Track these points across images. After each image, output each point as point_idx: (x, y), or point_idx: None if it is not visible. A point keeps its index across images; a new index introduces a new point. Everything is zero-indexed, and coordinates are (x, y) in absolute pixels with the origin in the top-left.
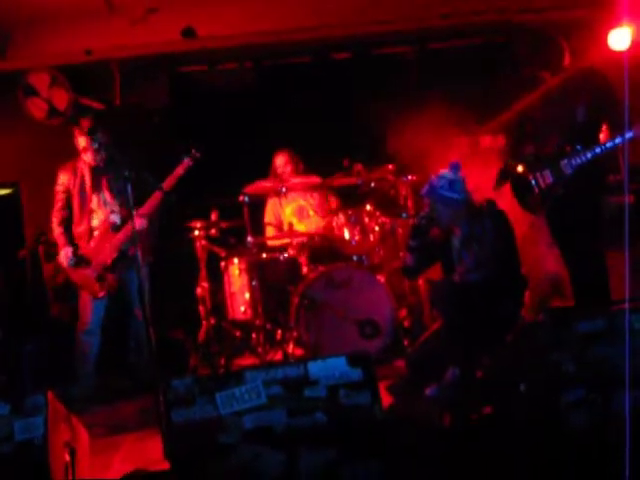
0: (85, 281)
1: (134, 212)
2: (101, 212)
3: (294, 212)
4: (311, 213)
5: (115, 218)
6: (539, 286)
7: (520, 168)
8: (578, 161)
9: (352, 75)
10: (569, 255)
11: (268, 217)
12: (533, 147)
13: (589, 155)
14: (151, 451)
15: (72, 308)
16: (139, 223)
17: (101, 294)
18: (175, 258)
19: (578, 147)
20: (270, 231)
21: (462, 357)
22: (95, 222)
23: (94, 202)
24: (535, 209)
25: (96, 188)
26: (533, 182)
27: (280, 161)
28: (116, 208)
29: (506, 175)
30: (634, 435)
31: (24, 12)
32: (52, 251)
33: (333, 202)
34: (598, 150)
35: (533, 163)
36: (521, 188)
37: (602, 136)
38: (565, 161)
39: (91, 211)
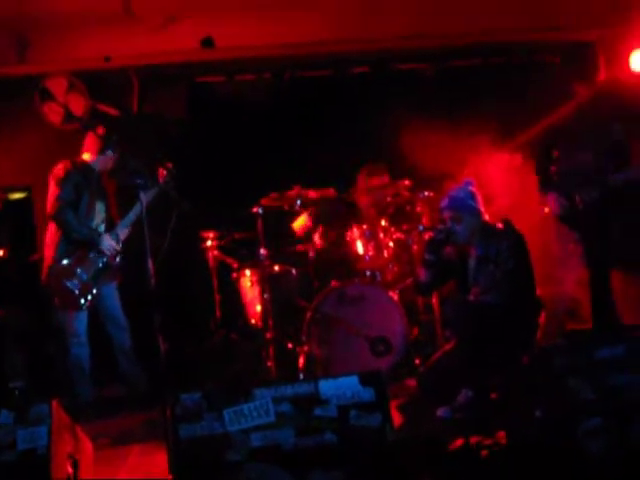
0: (67, 295)
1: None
2: (96, 219)
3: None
4: None
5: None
6: (556, 308)
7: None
8: (625, 176)
9: (371, 89)
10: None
11: (297, 226)
12: (567, 163)
13: (637, 170)
14: (156, 464)
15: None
16: (124, 233)
17: (83, 306)
18: (187, 268)
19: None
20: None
21: (476, 379)
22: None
23: (94, 207)
24: (577, 225)
25: (99, 195)
26: (580, 197)
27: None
28: (102, 216)
29: (549, 188)
30: None
31: (43, 17)
32: None
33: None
34: None
35: (576, 178)
36: (566, 203)
37: None
38: (612, 176)
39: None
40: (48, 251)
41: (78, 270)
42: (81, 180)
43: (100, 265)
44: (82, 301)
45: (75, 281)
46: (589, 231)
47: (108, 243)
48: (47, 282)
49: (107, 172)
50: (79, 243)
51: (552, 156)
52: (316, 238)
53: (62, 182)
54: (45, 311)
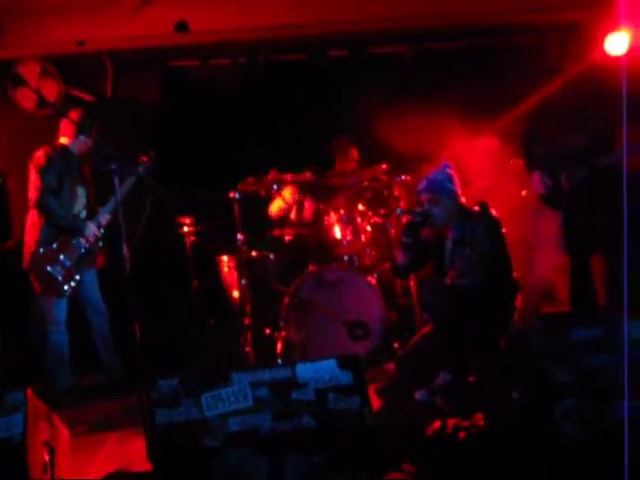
0: (49, 281)
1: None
2: (78, 205)
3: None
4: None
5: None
6: (531, 290)
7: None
8: (613, 158)
9: (347, 73)
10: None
11: (273, 210)
12: (553, 143)
13: (624, 151)
14: (134, 451)
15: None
16: (105, 219)
17: (66, 293)
18: (163, 253)
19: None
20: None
21: (453, 362)
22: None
23: (77, 193)
24: (561, 206)
25: (80, 180)
26: (565, 178)
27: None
28: (84, 202)
29: (534, 167)
30: (631, 446)
31: (15, 1)
32: None
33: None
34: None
35: (562, 158)
36: (551, 183)
37: None
38: (600, 157)
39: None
40: (29, 237)
41: (61, 256)
42: (63, 166)
43: (82, 251)
44: (65, 287)
45: (58, 267)
46: (573, 213)
47: (91, 229)
48: (29, 268)
49: (82, 157)
50: (62, 229)
51: (537, 136)
52: (292, 216)
53: (43, 168)
54: (22, 298)
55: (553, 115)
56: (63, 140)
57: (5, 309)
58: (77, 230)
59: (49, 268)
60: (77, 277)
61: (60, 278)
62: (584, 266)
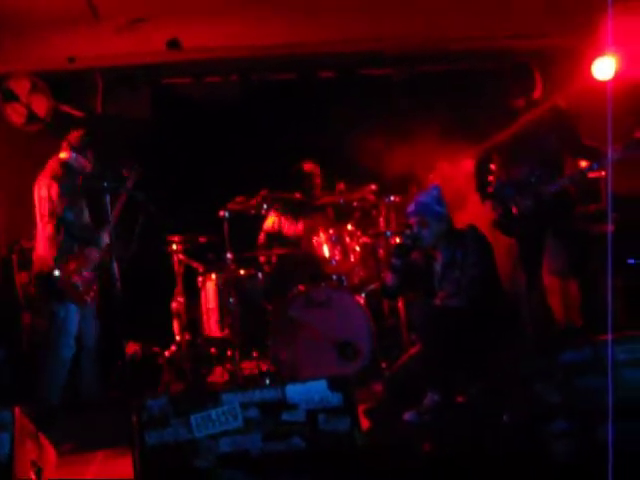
0: (73, 293)
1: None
2: (84, 218)
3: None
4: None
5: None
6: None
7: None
8: (557, 187)
9: (337, 94)
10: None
11: (267, 225)
12: (503, 174)
13: (566, 181)
14: (121, 471)
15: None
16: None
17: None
18: (152, 272)
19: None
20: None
21: (441, 383)
22: None
23: (83, 207)
24: (512, 232)
25: (82, 194)
26: (514, 207)
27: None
28: (87, 214)
29: (486, 197)
30: (618, 468)
31: (7, 17)
32: (28, 258)
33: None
34: (576, 176)
35: (512, 188)
36: (502, 211)
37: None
38: (545, 186)
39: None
40: (44, 250)
41: (81, 267)
42: (73, 178)
43: (96, 262)
44: (86, 298)
45: (79, 278)
46: (524, 238)
47: (105, 241)
48: (54, 280)
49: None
50: (78, 240)
51: (490, 168)
52: (286, 230)
53: (62, 178)
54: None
55: (504, 148)
56: (63, 155)
57: None
58: (93, 242)
59: (72, 279)
60: (95, 287)
61: (81, 288)
62: (538, 285)
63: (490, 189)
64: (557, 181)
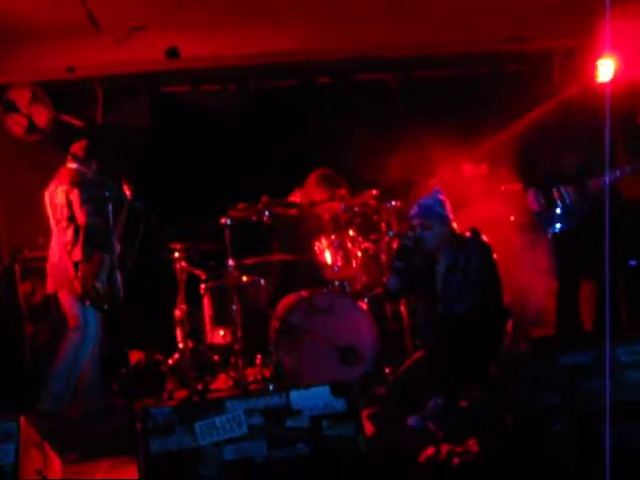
0: (94, 296)
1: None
2: None
3: None
4: None
5: None
6: (522, 315)
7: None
8: (609, 179)
9: (335, 100)
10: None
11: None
12: (549, 164)
13: (618, 174)
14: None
15: (47, 328)
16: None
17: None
18: (155, 280)
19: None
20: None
21: (445, 387)
22: None
23: None
24: (551, 224)
25: None
26: (559, 198)
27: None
28: None
29: (529, 186)
30: (617, 470)
31: (6, 28)
32: (30, 268)
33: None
34: (627, 170)
35: (557, 179)
36: (544, 203)
37: None
38: (593, 180)
39: None
40: (63, 256)
41: (100, 272)
42: (91, 186)
43: (108, 268)
44: (104, 303)
45: (99, 282)
46: (564, 235)
47: (118, 248)
48: (75, 283)
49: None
50: (95, 246)
51: (533, 158)
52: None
53: (82, 186)
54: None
55: (547, 138)
56: (71, 165)
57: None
58: (109, 249)
59: (94, 283)
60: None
61: (102, 292)
62: (572, 290)
63: (534, 178)
64: (613, 171)
